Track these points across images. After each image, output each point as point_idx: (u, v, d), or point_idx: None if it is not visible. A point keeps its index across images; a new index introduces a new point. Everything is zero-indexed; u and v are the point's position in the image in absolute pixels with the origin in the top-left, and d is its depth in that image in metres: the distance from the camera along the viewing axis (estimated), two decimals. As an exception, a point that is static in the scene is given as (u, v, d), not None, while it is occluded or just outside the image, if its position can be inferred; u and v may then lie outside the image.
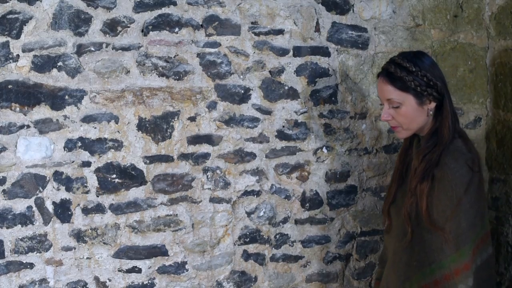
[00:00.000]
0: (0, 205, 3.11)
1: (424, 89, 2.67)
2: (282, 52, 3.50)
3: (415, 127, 2.76)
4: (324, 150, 3.62)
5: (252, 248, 3.56)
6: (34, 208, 3.17)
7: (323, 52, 3.57)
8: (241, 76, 3.44)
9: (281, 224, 3.59)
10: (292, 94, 3.53)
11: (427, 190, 2.63)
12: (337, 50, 3.60)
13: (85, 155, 3.23)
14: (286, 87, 3.52)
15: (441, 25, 3.79)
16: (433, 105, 2.71)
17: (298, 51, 3.53)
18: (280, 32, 3.49)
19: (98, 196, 3.26)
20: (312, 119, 3.58)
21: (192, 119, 3.37)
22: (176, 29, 3.32)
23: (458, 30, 3.83)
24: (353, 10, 3.62)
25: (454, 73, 3.83)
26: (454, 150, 2.65)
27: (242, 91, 3.44)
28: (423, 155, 2.71)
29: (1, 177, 3.10)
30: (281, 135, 3.53)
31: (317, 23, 3.56)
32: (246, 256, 3.55)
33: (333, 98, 3.61)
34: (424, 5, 3.74)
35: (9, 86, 3.08)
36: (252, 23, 3.44)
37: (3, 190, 3.11)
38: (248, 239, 3.54)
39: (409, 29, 3.73)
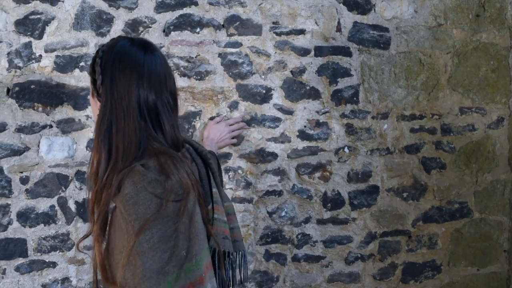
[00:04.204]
0: (23, 204, 3.09)
1: (92, 80, 2.04)
2: (303, 52, 3.43)
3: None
4: (346, 150, 3.55)
5: (274, 248, 3.49)
6: (57, 207, 3.14)
7: (345, 52, 3.50)
8: (263, 76, 3.37)
9: (302, 224, 3.52)
10: (314, 94, 3.46)
11: (96, 235, 1.91)
12: (358, 50, 3.52)
13: (107, 155, 3.17)
14: (308, 87, 3.45)
15: (463, 25, 3.70)
16: (99, 103, 2.01)
17: (319, 51, 3.46)
18: (302, 32, 3.43)
19: (120, 196, 3.21)
20: (334, 119, 3.51)
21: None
22: (198, 29, 3.27)
23: (480, 29, 3.74)
24: (374, 10, 3.55)
25: (477, 73, 3.75)
26: (136, 171, 1.85)
27: (264, 91, 3.38)
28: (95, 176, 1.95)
29: (24, 177, 3.07)
30: (302, 135, 3.46)
31: (339, 23, 3.49)
32: (268, 256, 3.48)
33: (354, 98, 3.53)
34: (446, 5, 3.65)
35: (32, 86, 3.06)
36: (273, 23, 3.38)
37: (26, 189, 3.08)
38: (270, 239, 3.47)
39: (430, 28, 3.64)
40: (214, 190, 2.16)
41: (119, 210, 1.83)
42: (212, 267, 1.97)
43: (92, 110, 2.10)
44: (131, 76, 1.95)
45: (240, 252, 2.32)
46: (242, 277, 2.34)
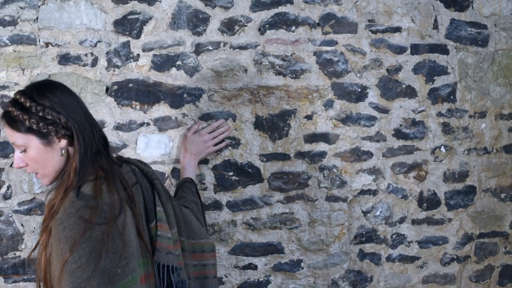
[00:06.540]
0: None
1: (45, 127, 2.09)
2: (399, 50, 3.32)
3: (52, 171, 2.18)
4: (442, 149, 3.41)
5: (368, 247, 3.39)
6: (154, 204, 3.11)
7: (442, 49, 3.37)
8: (358, 75, 3.28)
9: (397, 224, 3.41)
10: (410, 92, 3.35)
11: (44, 245, 2.07)
12: (455, 48, 3.39)
13: (202, 153, 3.14)
14: (404, 86, 3.33)
15: None
16: (64, 142, 2.13)
17: (415, 49, 3.34)
18: (397, 29, 3.32)
19: (215, 193, 3.20)
20: (430, 118, 3.39)
21: (309, 117, 3.24)
22: (293, 28, 3.20)
23: None
24: (472, 6, 3.41)
25: None
26: (68, 198, 2.03)
27: (359, 90, 3.28)
28: (49, 201, 2.12)
29: (122, 174, 3.06)
30: (398, 134, 3.35)
31: (435, 20, 3.36)
32: (362, 255, 3.38)
33: (451, 97, 3.39)
34: (547, 1, 3.48)
35: (130, 85, 3.06)
36: (368, 21, 3.28)
37: (124, 186, 3.06)
38: (364, 238, 3.37)
39: (531, 25, 3.48)
40: (159, 208, 2.31)
41: (53, 232, 2.00)
42: (151, 279, 2.20)
43: (42, 160, 2.17)
44: (79, 107, 2.19)
45: None
46: None
